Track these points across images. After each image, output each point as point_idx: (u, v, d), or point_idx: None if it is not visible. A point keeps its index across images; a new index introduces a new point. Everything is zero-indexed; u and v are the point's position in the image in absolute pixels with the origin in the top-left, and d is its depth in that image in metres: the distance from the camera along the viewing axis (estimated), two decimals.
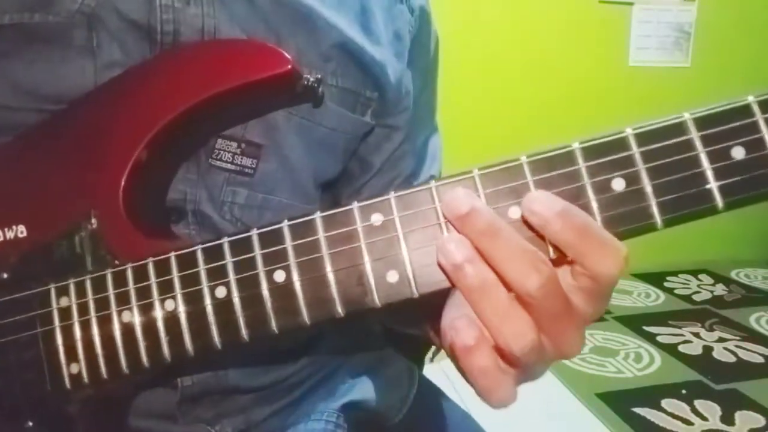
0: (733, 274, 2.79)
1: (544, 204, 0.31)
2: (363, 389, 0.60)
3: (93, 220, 0.42)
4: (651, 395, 1.76)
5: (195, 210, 0.49)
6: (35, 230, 0.43)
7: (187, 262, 0.37)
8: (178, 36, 0.46)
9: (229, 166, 0.49)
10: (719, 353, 2.03)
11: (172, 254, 0.37)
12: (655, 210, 0.31)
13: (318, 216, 0.34)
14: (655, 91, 2.75)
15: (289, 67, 0.43)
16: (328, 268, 0.34)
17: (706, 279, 2.74)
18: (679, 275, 2.76)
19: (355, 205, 0.34)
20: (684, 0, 2.74)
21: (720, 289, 2.62)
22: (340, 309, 0.34)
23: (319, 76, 0.46)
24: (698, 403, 1.72)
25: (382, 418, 0.61)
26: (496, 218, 0.31)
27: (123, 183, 0.42)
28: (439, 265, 0.32)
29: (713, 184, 0.31)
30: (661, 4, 2.72)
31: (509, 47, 2.60)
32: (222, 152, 0.48)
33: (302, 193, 0.53)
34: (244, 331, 0.35)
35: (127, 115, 0.44)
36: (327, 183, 0.57)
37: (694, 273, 2.79)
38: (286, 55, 0.43)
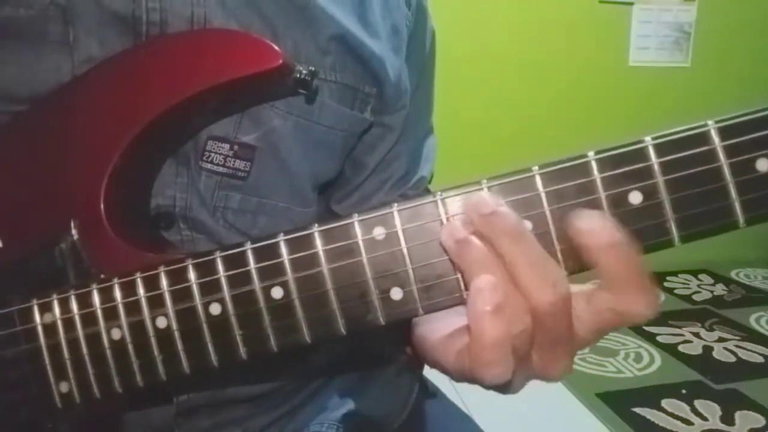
0: (733, 274, 2.79)
1: (603, 228, 0.29)
2: (362, 397, 0.59)
3: (73, 231, 0.39)
4: (651, 395, 1.76)
5: (187, 216, 0.46)
6: (11, 241, 0.40)
7: (177, 276, 0.35)
8: (165, 27, 0.42)
9: (220, 169, 0.46)
10: (719, 353, 2.02)
11: (162, 269, 0.35)
12: (672, 225, 0.30)
13: (316, 230, 0.32)
14: (655, 91, 2.76)
15: (281, 62, 0.40)
16: (329, 285, 0.32)
17: (706, 279, 2.74)
18: (679, 275, 2.76)
19: (355, 218, 0.32)
20: (684, 0, 2.74)
21: (720, 289, 2.62)
22: (342, 327, 0.32)
23: (313, 69, 0.43)
24: (698, 403, 1.71)
25: (382, 424, 0.59)
26: (521, 223, 0.30)
27: (104, 189, 0.39)
28: (442, 245, 0.31)
29: (735, 199, 0.29)
30: (661, 4, 2.72)
31: (509, 47, 2.60)
32: (213, 154, 0.45)
33: (299, 196, 0.51)
34: (242, 350, 0.34)
35: (105, 114, 0.40)
36: (324, 184, 0.55)
37: (694, 273, 2.79)
38: (277, 48, 0.40)
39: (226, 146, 0.46)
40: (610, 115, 2.72)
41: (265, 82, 0.42)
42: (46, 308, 0.37)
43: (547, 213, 0.30)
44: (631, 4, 2.70)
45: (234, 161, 0.46)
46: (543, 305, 0.29)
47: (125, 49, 0.42)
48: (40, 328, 0.37)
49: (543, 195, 0.30)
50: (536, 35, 2.62)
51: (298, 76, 0.43)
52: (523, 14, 2.59)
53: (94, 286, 0.36)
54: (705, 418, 1.64)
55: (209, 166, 0.46)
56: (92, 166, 0.39)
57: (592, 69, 2.71)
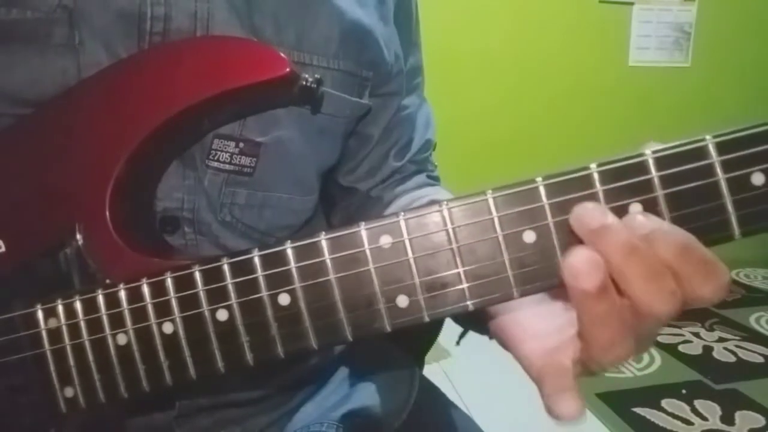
0: (733, 274, 2.79)
1: (645, 219, 0.29)
2: (362, 396, 0.59)
3: (78, 236, 0.39)
4: (651, 395, 1.76)
5: (193, 219, 0.47)
6: (14, 245, 0.40)
7: (184, 283, 0.35)
8: (168, 22, 0.43)
9: (227, 166, 0.46)
10: (719, 353, 2.03)
11: (168, 275, 0.35)
12: None
13: (323, 238, 0.33)
14: (654, 90, 2.76)
15: (287, 70, 0.40)
16: (336, 293, 0.32)
17: None
18: None
19: (362, 227, 0.32)
20: (684, 0, 2.74)
21: None
22: (349, 335, 0.33)
23: (319, 77, 0.44)
24: (698, 403, 1.72)
25: (382, 424, 0.59)
26: (631, 235, 0.28)
27: (109, 193, 0.39)
28: (566, 283, 0.29)
29: (732, 213, 0.29)
30: (661, 4, 2.72)
31: (509, 47, 2.60)
32: (219, 153, 0.46)
33: (302, 185, 0.52)
34: (248, 356, 0.34)
35: (111, 118, 0.41)
36: (327, 171, 0.56)
37: None
38: (283, 56, 0.41)
39: (232, 144, 0.46)
40: (610, 115, 2.72)
41: (271, 90, 0.42)
42: (50, 313, 0.37)
43: (551, 225, 0.31)
44: (631, 4, 2.69)
45: (240, 158, 0.47)
46: (661, 317, 0.29)
47: (132, 54, 0.42)
48: (44, 333, 0.37)
49: (547, 206, 0.31)
50: (536, 35, 2.62)
51: (305, 83, 0.43)
52: (523, 14, 2.59)
53: (100, 291, 0.36)
54: (705, 418, 1.64)
55: (216, 164, 0.46)
56: (98, 170, 0.40)
57: (592, 69, 2.70)
